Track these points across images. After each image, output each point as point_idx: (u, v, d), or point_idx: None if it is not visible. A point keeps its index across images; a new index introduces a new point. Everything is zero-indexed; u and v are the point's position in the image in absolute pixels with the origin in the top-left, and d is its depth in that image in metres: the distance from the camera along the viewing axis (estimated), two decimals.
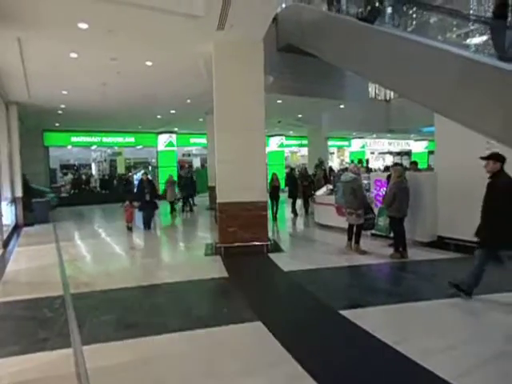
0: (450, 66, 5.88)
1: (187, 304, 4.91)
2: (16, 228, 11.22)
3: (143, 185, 10.73)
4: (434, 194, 7.51)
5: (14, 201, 11.60)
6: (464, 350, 3.47)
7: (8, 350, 3.60)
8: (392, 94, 17.18)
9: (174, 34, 7.10)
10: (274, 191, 11.86)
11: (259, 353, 3.58)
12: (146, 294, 5.36)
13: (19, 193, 12.03)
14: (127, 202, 10.64)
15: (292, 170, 14.49)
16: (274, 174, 12.23)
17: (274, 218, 11.55)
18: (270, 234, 8.10)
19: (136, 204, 10.61)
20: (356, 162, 14.53)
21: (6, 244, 8.66)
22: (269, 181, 11.67)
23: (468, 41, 8.57)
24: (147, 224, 10.61)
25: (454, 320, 4.19)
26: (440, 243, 7.43)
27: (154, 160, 21.86)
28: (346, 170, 12.41)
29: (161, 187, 17.28)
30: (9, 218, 10.39)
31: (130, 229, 10.40)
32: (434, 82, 6.04)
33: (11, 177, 11.55)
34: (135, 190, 11.26)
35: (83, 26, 6.50)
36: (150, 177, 11.55)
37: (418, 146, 26.17)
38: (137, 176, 20.61)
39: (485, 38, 8.04)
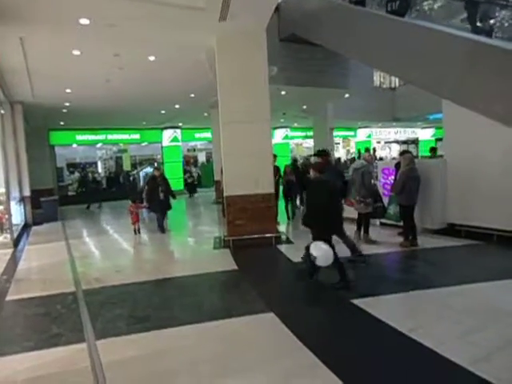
0: (457, 50, 5.78)
1: (198, 297, 4.91)
2: (25, 227, 11.31)
3: (156, 182, 9.26)
4: (444, 181, 7.43)
5: (22, 200, 11.68)
6: (479, 337, 3.43)
7: (23, 346, 3.63)
8: (397, 81, 16.96)
9: (175, 27, 7.04)
10: (289, 187, 9.89)
11: (272, 343, 3.57)
12: (156, 289, 5.37)
13: (27, 192, 12.12)
14: (131, 202, 9.42)
15: (295, 161, 14.14)
16: (287, 167, 10.48)
17: (290, 218, 10.02)
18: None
19: (144, 204, 9.41)
20: (363, 151, 14.36)
21: (16, 243, 8.73)
22: (281, 174, 10.18)
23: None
24: (161, 227, 9.28)
25: (467, 306, 4.13)
26: (450, 230, 7.36)
27: (159, 156, 21.88)
28: (353, 159, 12.32)
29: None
30: (18, 217, 10.48)
31: (136, 232, 9.10)
32: (442, 67, 5.93)
33: (19, 176, 11.63)
34: (143, 187, 10.87)
35: (85, 21, 6.46)
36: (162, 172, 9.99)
37: (424, 134, 25.88)
38: (142, 173, 20.66)
39: (492, 21, 7.89)
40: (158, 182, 9.24)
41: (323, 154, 6.04)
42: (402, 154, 7.78)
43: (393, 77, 16.30)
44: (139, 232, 9.16)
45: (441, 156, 9.14)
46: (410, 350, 3.30)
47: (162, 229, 9.22)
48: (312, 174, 5.15)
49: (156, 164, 20.79)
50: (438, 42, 5.96)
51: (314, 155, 6.31)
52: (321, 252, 4.53)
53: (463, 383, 2.85)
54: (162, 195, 9.09)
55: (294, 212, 10.16)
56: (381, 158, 15.83)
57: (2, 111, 9.30)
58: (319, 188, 4.97)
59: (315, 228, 4.88)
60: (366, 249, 6.74)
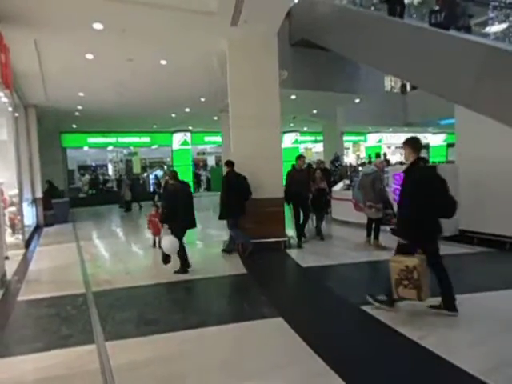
0: (472, 55, 5.73)
1: (207, 301, 4.91)
2: (37, 228, 11.44)
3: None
4: (455, 187, 7.31)
5: (34, 201, 11.83)
6: (491, 345, 3.37)
7: (33, 347, 3.66)
8: (408, 86, 16.84)
9: (187, 32, 7.10)
10: (319, 197, 8.14)
11: (281, 348, 3.54)
12: (165, 291, 5.39)
13: (39, 193, 12.27)
14: (153, 209, 8.22)
15: (309, 166, 13.81)
16: (316, 172, 8.83)
17: (321, 238, 8.12)
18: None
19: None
20: (374, 156, 14.22)
21: (27, 244, 8.83)
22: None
23: (487, 29, 8.35)
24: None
25: (479, 314, 4.06)
26: (462, 237, 7.26)
27: (169, 159, 22.01)
28: (363, 164, 12.18)
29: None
30: (30, 219, 10.60)
31: (156, 245, 7.86)
32: (456, 72, 5.88)
33: (31, 178, 11.78)
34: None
35: (98, 26, 6.57)
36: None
37: (436, 140, 25.64)
38: (152, 176, 20.77)
39: (505, 25, 7.83)
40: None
41: (229, 163, 7.11)
42: None
43: (404, 81, 16.20)
44: (160, 246, 7.31)
45: (452, 162, 9.04)
46: (421, 358, 3.25)
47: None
48: (169, 180, 6.32)
49: (166, 167, 20.85)
50: (453, 48, 5.92)
51: (224, 164, 7.27)
52: (169, 243, 5.73)
53: None
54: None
55: (320, 230, 8.28)
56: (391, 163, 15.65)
57: (16, 114, 9.44)
58: (175, 192, 6.03)
59: (172, 224, 5.90)
60: (377, 255, 6.69)
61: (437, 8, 6.67)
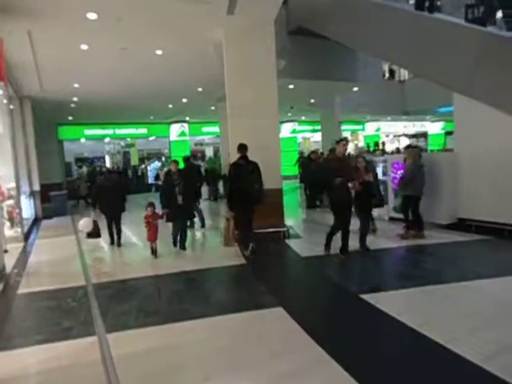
0: (468, 41, 5.67)
1: (207, 291, 4.93)
2: (35, 221, 11.43)
3: (172, 179, 6.92)
4: (454, 175, 7.34)
5: (32, 194, 11.79)
6: (490, 333, 3.39)
7: (35, 339, 3.67)
8: (406, 74, 16.74)
9: (182, 21, 7.01)
10: (365, 193, 6.07)
11: (281, 338, 3.57)
12: (165, 283, 5.39)
13: (37, 186, 12.23)
14: (149, 210, 6.59)
15: (309, 156, 13.51)
16: (357, 161, 6.69)
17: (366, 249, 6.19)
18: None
19: (163, 211, 6.79)
20: (372, 145, 14.15)
21: (26, 237, 8.83)
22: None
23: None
24: (181, 242, 6.89)
25: (477, 302, 4.10)
26: (460, 225, 7.29)
27: (166, 150, 21.91)
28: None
29: None
30: (28, 212, 10.58)
31: (154, 252, 6.60)
32: (453, 59, 5.84)
33: (28, 171, 11.73)
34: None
35: (92, 16, 6.47)
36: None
37: (434, 128, 25.60)
38: (150, 167, 20.69)
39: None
40: (174, 179, 6.89)
41: (185, 158, 9.10)
42: (406, 148, 7.81)
43: (402, 69, 16.10)
44: (156, 254, 6.62)
45: (451, 150, 9.04)
46: (420, 346, 3.28)
47: (180, 244, 6.91)
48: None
49: (164, 158, 20.68)
50: (449, 34, 5.86)
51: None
52: (86, 223, 7.25)
53: (475, 379, 2.81)
54: (180, 198, 6.74)
55: (364, 239, 6.26)
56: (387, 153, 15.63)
57: (12, 106, 9.36)
58: (107, 184, 7.80)
59: (104, 209, 7.74)
60: (375, 243, 6.68)
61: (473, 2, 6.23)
